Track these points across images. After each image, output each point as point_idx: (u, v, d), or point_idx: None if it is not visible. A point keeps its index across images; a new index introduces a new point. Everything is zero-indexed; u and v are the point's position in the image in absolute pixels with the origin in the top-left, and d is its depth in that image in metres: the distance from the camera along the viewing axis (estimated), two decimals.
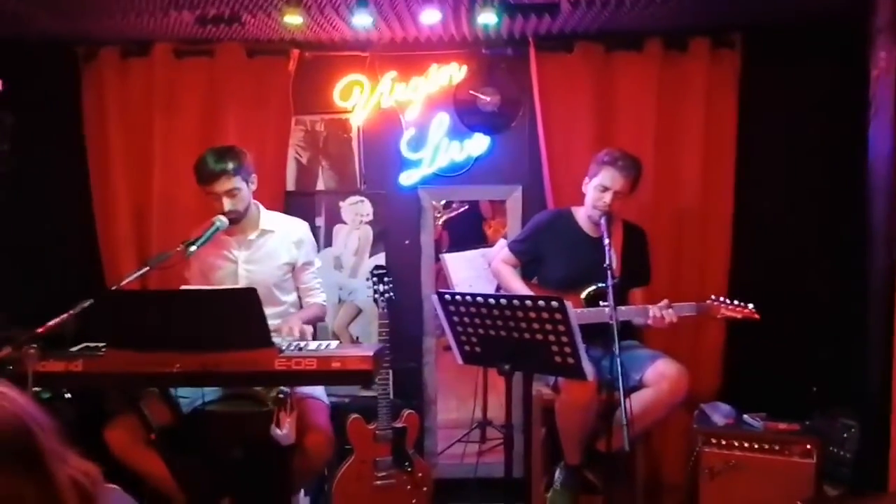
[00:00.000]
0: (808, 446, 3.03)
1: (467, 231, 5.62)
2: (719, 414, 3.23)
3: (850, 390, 3.16)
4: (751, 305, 2.87)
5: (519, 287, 3.17)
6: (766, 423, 3.15)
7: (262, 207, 3.15)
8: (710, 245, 3.53)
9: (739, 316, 2.88)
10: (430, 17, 2.95)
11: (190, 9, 3.12)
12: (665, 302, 2.87)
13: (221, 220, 2.92)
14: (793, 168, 3.54)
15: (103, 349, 2.56)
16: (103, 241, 3.62)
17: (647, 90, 3.51)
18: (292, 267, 3.10)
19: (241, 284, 2.98)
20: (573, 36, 3.51)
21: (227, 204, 2.92)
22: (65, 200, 3.67)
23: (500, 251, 3.42)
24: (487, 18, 3.08)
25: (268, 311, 2.64)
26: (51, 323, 2.39)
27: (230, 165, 2.90)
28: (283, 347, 2.52)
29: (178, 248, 2.79)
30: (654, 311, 2.87)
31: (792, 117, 3.53)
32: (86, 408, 3.01)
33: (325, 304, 3.20)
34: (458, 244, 4.91)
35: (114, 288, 2.73)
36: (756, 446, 3.08)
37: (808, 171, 3.53)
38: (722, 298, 2.92)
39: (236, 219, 2.98)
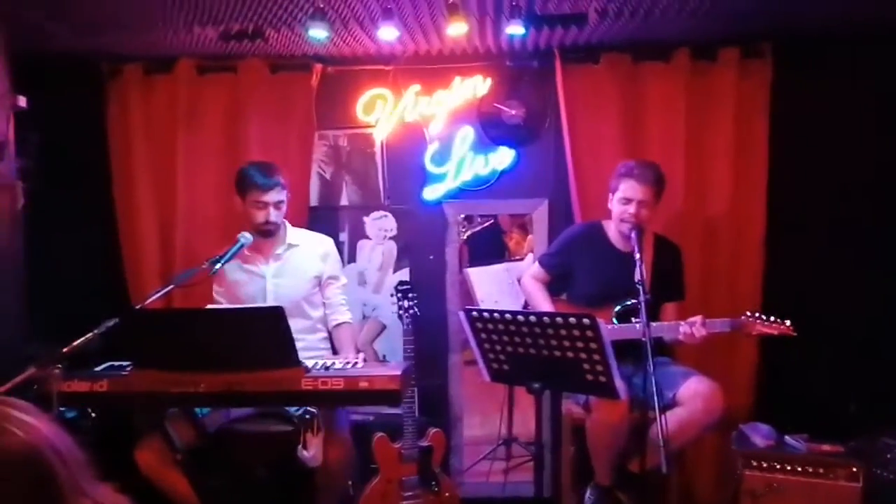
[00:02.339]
0: (854, 469, 2.94)
1: (488, 245, 5.57)
2: (759, 435, 3.14)
3: (891, 409, 3.06)
4: (787, 322, 2.79)
5: (546, 306, 3.12)
6: (809, 445, 3.07)
7: (287, 224, 3.14)
8: (743, 258, 3.45)
9: (776, 332, 2.81)
10: (456, 29, 2.91)
11: (213, 25, 3.12)
12: (699, 318, 2.80)
13: (246, 237, 2.92)
14: (826, 180, 3.45)
15: (128, 368, 2.55)
16: (128, 258, 3.62)
17: (675, 101, 3.45)
18: (319, 280, 3.09)
19: (270, 299, 2.98)
20: (600, 47, 3.46)
21: (272, 215, 3.00)
22: (89, 217, 3.67)
23: (531, 266, 3.37)
24: (515, 29, 3.04)
25: (296, 325, 2.63)
26: (75, 342, 2.39)
27: (280, 178, 3.02)
28: (310, 367, 2.48)
29: (203, 266, 2.78)
30: (684, 327, 2.82)
31: (824, 128, 3.45)
32: (112, 427, 2.99)
33: (352, 321, 3.18)
34: (480, 258, 4.85)
35: (139, 307, 2.71)
36: (799, 469, 2.99)
37: (843, 183, 3.45)
38: (757, 314, 2.85)
39: (273, 231, 3.01)
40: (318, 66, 3.59)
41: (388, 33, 2.98)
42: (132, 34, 3.24)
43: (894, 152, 2.99)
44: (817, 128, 3.45)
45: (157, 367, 2.48)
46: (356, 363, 2.63)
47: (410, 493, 3.08)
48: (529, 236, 4.03)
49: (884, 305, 3.17)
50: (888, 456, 3.04)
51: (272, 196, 2.98)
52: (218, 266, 2.78)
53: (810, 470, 2.98)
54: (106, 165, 3.62)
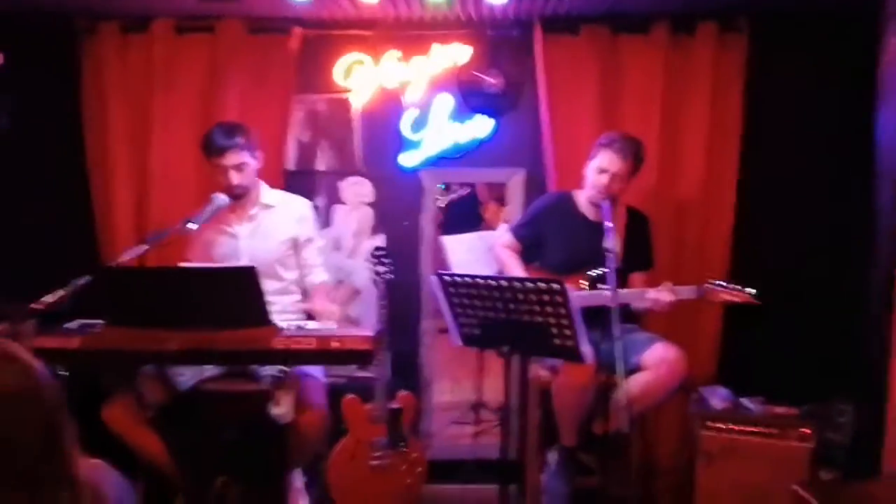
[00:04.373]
0: (805, 430, 3.03)
1: (465, 214, 5.60)
2: (717, 397, 3.23)
3: (846, 375, 3.16)
4: (751, 290, 2.86)
5: (518, 272, 3.16)
6: (764, 407, 3.16)
7: (263, 185, 3.14)
8: (712, 230, 3.50)
9: (738, 300, 2.88)
10: None
11: None
12: (668, 284, 2.86)
13: (221, 198, 2.92)
14: (798, 154, 3.50)
15: (100, 326, 2.56)
16: (101, 218, 3.59)
17: (653, 74, 3.47)
18: (294, 243, 3.09)
19: (243, 260, 2.98)
20: (579, 18, 3.47)
21: (234, 178, 2.94)
22: (62, 176, 3.63)
23: (502, 235, 3.41)
24: None
25: (269, 286, 2.65)
26: (47, 299, 2.39)
27: (239, 140, 2.94)
28: (283, 326, 2.51)
29: (177, 226, 2.78)
30: (651, 293, 2.88)
31: (799, 103, 3.49)
32: (83, 384, 3.00)
33: (329, 281, 3.20)
34: (456, 227, 4.88)
35: (111, 265, 2.71)
36: (753, 430, 3.08)
37: (814, 158, 3.50)
38: (721, 282, 2.92)
39: (241, 194, 2.99)
40: (298, 30, 3.56)
41: None
42: None
43: (867, 129, 3.04)
44: (790, 102, 3.50)
45: (129, 325, 2.49)
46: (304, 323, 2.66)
47: (379, 454, 3.13)
48: (505, 208, 4.06)
49: (846, 276, 3.24)
50: (840, 419, 3.15)
51: (230, 159, 2.93)
52: (192, 226, 2.79)
53: (764, 431, 3.07)
54: (79, 124, 3.58)
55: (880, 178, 2.94)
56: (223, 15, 3.48)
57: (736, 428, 3.10)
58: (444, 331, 2.68)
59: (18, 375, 1.18)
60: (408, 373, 3.66)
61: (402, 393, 3.24)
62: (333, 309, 2.82)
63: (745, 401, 3.22)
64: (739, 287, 2.87)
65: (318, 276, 3.14)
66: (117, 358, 2.57)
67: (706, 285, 2.91)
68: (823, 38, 3.45)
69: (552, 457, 3.06)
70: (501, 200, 4.76)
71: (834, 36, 3.42)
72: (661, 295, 2.86)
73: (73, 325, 2.62)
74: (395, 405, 3.18)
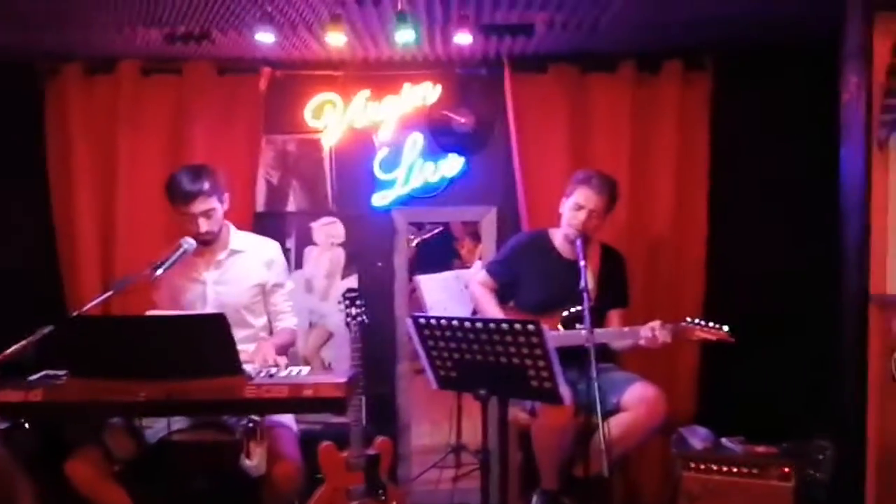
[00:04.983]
0: (786, 469, 3.04)
1: (439, 252, 5.58)
2: (697, 438, 3.22)
3: (825, 412, 3.17)
4: (725, 328, 2.86)
5: (493, 312, 3.13)
6: (745, 447, 3.15)
7: (232, 227, 3.07)
8: (685, 267, 3.54)
9: (714, 338, 2.88)
10: (405, 37, 2.92)
11: (158, 26, 3.06)
12: (657, 323, 2.85)
13: (189, 242, 2.85)
14: (765, 190, 3.57)
15: (64, 377, 2.47)
16: (65, 264, 3.50)
17: (620, 112, 3.52)
18: (262, 288, 3.02)
19: (210, 306, 2.90)
20: (547, 57, 3.51)
21: (202, 225, 2.85)
22: (24, 221, 3.56)
23: (478, 273, 3.39)
24: (463, 38, 3.05)
25: (238, 334, 2.57)
26: (9, 351, 2.31)
27: (206, 185, 2.83)
28: (254, 375, 2.44)
29: (144, 272, 2.71)
30: (645, 331, 2.86)
31: (764, 139, 3.56)
32: (46, 438, 2.89)
33: (296, 328, 3.12)
34: (430, 266, 4.86)
35: (76, 314, 2.63)
36: (735, 470, 3.08)
37: (781, 194, 3.56)
38: (697, 320, 2.91)
39: (209, 240, 2.91)
40: (267, 70, 3.56)
41: (336, 39, 2.96)
42: (70, 33, 3.15)
43: (831, 164, 3.09)
44: (756, 138, 3.56)
45: (95, 376, 2.40)
46: (276, 370, 2.58)
47: (357, 502, 3.05)
48: (480, 245, 4.06)
49: (820, 313, 3.26)
50: (820, 457, 3.15)
51: (197, 206, 2.82)
52: (159, 272, 2.71)
53: (745, 471, 3.07)
54: (42, 167, 3.51)
55: (845, 214, 2.98)
56: (190, 56, 3.45)
57: (717, 468, 3.09)
58: (421, 372, 2.63)
59: None
60: (385, 417, 3.60)
61: (380, 438, 3.17)
62: (275, 358, 2.74)
63: (725, 440, 3.21)
64: (716, 325, 2.87)
65: (287, 321, 3.07)
66: (82, 410, 2.47)
67: (681, 324, 2.90)
68: (786, 75, 3.53)
69: (535, 501, 3.00)
70: (476, 237, 4.77)
71: (796, 73, 3.50)
72: (657, 333, 2.83)
73: (37, 376, 2.52)
74: (372, 451, 3.11)
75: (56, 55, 3.45)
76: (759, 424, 3.22)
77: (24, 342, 2.35)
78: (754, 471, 3.05)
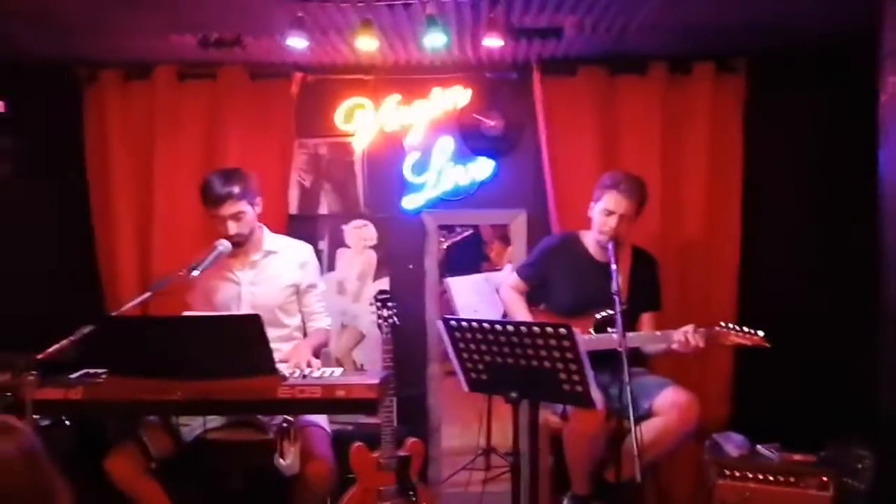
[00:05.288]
0: (824, 478, 2.98)
1: (468, 255, 5.60)
2: (732, 444, 3.17)
3: (863, 419, 3.11)
4: (760, 332, 2.82)
5: (523, 315, 3.13)
6: (781, 455, 3.10)
7: (266, 230, 3.12)
8: (718, 270, 3.50)
9: (749, 343, 2.84)
10: (434, 41, 2.93)
11: (192, 32, 3.12)
12: (691, 327, 2.83)
13: (224, 245, 2.90)
14: (800, 193, 3.52)
15: (103, 376, 2.53)
16: (104, 265, 3.59)
17: (651, 114, 3.49)
18: (296, 289, 3.07)
19: (245, 306, 2.96)
20: (577, 60, 3.50)
21: (231, 227, 2.91)
22: (65, 224, 3.64)
23: (508, 276, 3.39)
24: (493, 42, 3.06)
25: (272, 333, 2.62)
26: (50, 349, 2.36)
27: (236, 189, 2.90)
28: (288, 375, 2.48)
29: (181, 273, 2.77)
30: (678, 335, 2.83)
31: (799, 142, 3.52)
32: (86, 435, 2.96)
33: (329, 328, 3.17)
34: (460, 268, 4.87)
35: (114, 314, 2.69)
36: (771, 478, 3.02)
37: (816, 196, 3.52)
38: (731, 325, 2.88)
39: (240, 242, 2.97)
40: (298, 75, 3.60)
41: (366, 44, 2.99)
42: (107, 39, 3.23)
43: (867, 166, 3.04)
44: (791, 141, 3.52)
45: (133, 375, 2.46)
46: (309, 371, 2.62)
47: (388, 503, 3.07)
48: (510, 247, 4.05)
49: (857, 316, 3.21)
50: (858, 466, 3.08)
51: (227, 209, 2.89)
52: (196, 273, 2.77)
53: (782, 479, 3.01)
54: (83, 171, 3.60)
55: (884, 216, 2.93)
56: (224, 61, 3.51)
57: (753, 476, 3.04)
58: (452, 374, 2.64)
59: (12, 444, 1.25)
60: (415, 418, 3.61)
61: (410, 440, 3.19)
62: (310, 360, 2.78)
63: (761, 447, 3.16)
64: (750, 330, 2.83)
65: (321, 321, 3.12)
66: (120, 408, 2.53)
67: (715, 328, 2.87)
68: (822, 76, 3.48)
69: None
70: (506, 240, 4.77)
71: (832, 74, 3.44)
72: (690, 336, 2.79)
73: (77, 375, 2.59)
74: (403, 452, 3.13)
75: (95, 61, 3.53)
76: (795, 432, 3.16)
77: (64, 341, 2.41)
78: (791, 479, 3.00)
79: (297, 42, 3.00)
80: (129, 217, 3.57)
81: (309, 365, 2.72)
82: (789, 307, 3.39)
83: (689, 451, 3.21)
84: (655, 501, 3.19)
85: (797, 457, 3.08)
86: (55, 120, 3.61)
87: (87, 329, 2.44)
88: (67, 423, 2.91)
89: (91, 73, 3.58)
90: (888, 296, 2.83)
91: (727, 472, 3.07)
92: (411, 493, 3.11)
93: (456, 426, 4.30)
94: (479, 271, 4.63)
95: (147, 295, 2.70)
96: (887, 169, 2.87)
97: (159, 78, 3.55)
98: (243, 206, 2.93)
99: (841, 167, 3.45)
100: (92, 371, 2.61)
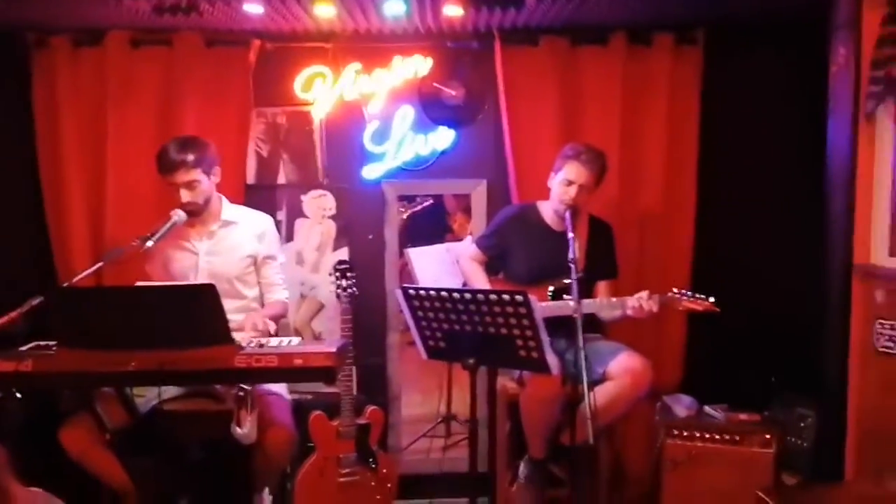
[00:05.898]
0: (768, 436, 3.09)
1: (430, 225, 5.59)
2: (681, 406, 3.27)
3: (807, 380, 3.21)
4: (711, 298, 2.89)
5: (482, 284, 3.16)
6: (727, 414, 3.21)
7: (224, 199, 3.09)
8: (673, 239, 3.56)
9: (700, 308, 2.90)
10: (394, 9, 2.90)
11: None
12: (646, 293, 2.88)
13: (179, 214, 2.87)
14: (754, 163, 3.58)
15: (55, 348, 2.48)
16: (55, 235, 3.51)
17: (611, 85, 3.51)
18: (254, 260, 3.05)
19: (202, 276, 2.93)
20: (538, 30, 3.50)
21: (184, 195, 2.88)
22: (13, 193, 3.54)
23: (468, 247, 3.41)
24: (453, 10, 3.04)
25: (229, 304, 2.60)
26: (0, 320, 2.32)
27: (190, 157, 2.86)
28: (244, 344, 2.47)
29: (134, 243, 2.73)
30: (632, 301, 2.89)
31: (753, 113, 3.57)
32: (38, 408, 2.92)
33: (287, 300, 3.15)
34: (421, 239, 4.87)
35: (66, 284, 2.64)
36: (717, 437, 3.13)
37: (770, 167, 3.58)
38: (683, 291, 2.94)
39: (195, 211, 2.93)
40: (256, 42, 3.53)
41: (325, 11, 2.94)
42: (60, 6, 3.13)
43: (820, 137, 3.11)
44: (746, 112, 3.57)
45: (86, 346, 2.42)
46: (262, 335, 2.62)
47: (348, 471, 3.10)
48: (472, 219, 4.07)
49: (805, 283, 3.30)
50: (801, 424, 3.21)
51: (180, 177, 2.85)
52: (149, 243, 2.73)
53: (727, 438, 3.12)
54: (31, 139, 3.49)
55: (832, 186, 3.01)
56: (180, 28, 3.43)
57: (699, 435, 3.15)
58: (412, 343, 2.66)
59: None
60: (376, 387, 3.63)
61: (370, 408, 3.21)
62: (265, 324, 2.79)
63: (708, 408, 3.26)
64: (702, 296, 2.89)
65: (278, 294, 3.10)
66: (72, 380, 2.49)
67: (668, 294, 2.93)
68: (777, 48, 3.53)
69: (522, 469, 3.05)
70: (469, 211, 4.78)
71: (787, 46, 3.49)
72: (644, 303, 2.86)
73: (27, 347, 2.54)
74: (362, 421, 3.15)
75: (44, 27, 3.42)
76: (742, 393, 3.26)
77: (14, 313, 2.37)
78: (736, 438, 3.11)
79: (253, 8, 2.95)
80: (80, 186, 3.48)
81: (265, 328, 2.71)
82: (741, 272, 3.46)
83: (642, 413, 3.29)
84: (609, 463, 3.26)
85: (742, 416, 3.18)
86: (2, 87, 3.50)
87: (36, 300, 2.40)
88: (19, 395, 2.86)
89: (40, 38, 3.46)
90: (832, 261, 2.91)
91: (675, 432, 3.17)
92: (371, 460, 3.13)
93: (417, 395, 4.33)
94: (442, 242, 4.62)
95: (99, 265, 2.66)
96: (834, 138, 2.94)
97: (111, 44, 3.45)
98: (197, 174, 2.89)
99: (796, 138, 3.52)
100: (43, 343, 2.56)
